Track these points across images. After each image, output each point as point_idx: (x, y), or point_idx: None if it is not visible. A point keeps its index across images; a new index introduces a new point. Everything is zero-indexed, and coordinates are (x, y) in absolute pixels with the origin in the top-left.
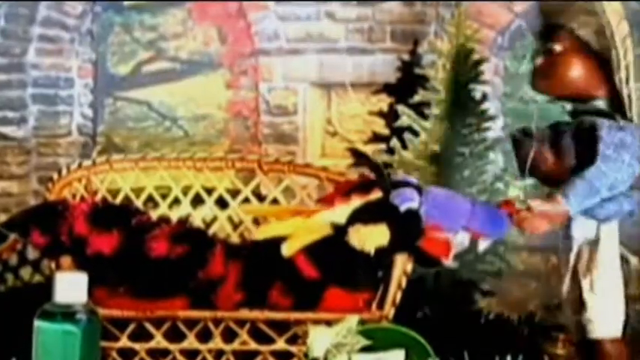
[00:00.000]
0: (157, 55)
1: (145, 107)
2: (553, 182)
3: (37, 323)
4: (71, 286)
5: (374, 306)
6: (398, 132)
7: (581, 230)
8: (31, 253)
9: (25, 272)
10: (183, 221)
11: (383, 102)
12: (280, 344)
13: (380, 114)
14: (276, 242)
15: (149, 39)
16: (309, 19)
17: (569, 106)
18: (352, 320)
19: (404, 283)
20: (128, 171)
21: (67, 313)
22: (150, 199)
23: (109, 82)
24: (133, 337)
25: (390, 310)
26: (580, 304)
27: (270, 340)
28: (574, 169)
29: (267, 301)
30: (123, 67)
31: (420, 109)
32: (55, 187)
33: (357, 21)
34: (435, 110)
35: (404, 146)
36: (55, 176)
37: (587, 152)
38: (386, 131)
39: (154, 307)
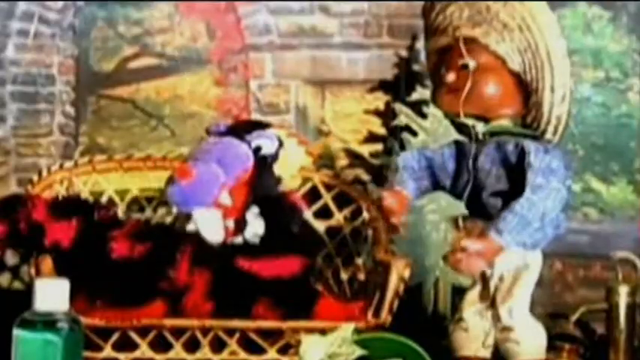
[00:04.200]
0: (142, 50)
1: (129, 105)
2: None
3: (17, 332)
4: (52, 294)
5: (370, 314)
6: (395, 131)
7: (504, 258)
8: (10, 259)
9: (4, 279)
10: (146, 220)
11: (379, 100)
12: (271, 354)
13: (376, 113)
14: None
15: (134, 34)
16: (302, 13)
17: (480, 126)
18: (347, 329)
19: (401, 290)
20: (112, 172)
21: (47, 322)
22: (135, 201)
23: (91, 79)
24: (117, 347)
25: (387, 318)
26: (502, 331)
27: (260, 350)
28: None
29: (251, 315)
30: (106, 63)
31: (418, 107)
32: (35, 189)
33: (352, 15)
34: (433, 109)
35: (402, 146)
36: (35, 178)
37: (516, 177)
38: (383, 131)
39: (135, 315)
